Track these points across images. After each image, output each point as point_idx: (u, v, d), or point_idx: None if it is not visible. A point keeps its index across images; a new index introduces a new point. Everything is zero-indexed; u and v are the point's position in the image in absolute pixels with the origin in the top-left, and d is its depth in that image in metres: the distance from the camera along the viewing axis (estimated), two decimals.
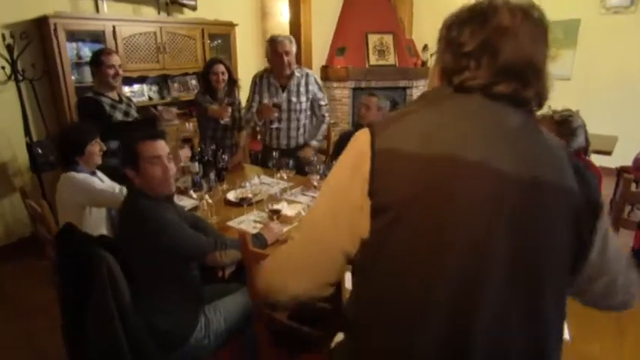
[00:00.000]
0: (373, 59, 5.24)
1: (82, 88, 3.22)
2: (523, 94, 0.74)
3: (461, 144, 0.71)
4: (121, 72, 2.55)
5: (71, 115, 3.09)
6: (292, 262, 0.82)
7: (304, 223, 0.93)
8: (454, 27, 0.79)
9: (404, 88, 5.33)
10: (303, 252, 0.81)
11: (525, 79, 0.74)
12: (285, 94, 2.74)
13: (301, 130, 2.86)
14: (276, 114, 2.63)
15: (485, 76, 0.74)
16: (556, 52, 4.85)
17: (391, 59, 5.27)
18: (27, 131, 3.04)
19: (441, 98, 0.78)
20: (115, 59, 2.52)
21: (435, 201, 0.70)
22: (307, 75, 2.83)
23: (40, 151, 3.05)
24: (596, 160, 2.31)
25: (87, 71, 3.33)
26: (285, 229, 1.83)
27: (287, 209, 1.94)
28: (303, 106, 2.81)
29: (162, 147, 1.54)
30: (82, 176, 2.00)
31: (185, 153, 2.18)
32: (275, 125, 2.74)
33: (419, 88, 5.43)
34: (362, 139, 0.77)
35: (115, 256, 1.40)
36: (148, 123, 2.50)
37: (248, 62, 4.61)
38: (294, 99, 2.75)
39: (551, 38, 0.77)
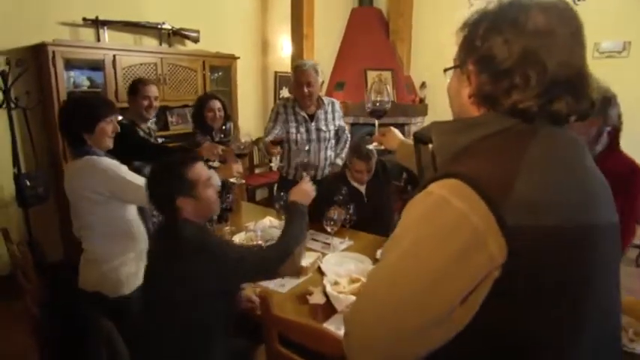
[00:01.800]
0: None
1: None
2: (578, 109, 0.66)
3: (585, 206, 0.65)
4: (155, 104, 2.42)
5: (64, 147, 2.94)
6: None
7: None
8: (477, 37, 0.67)
9: (402, 125, 5.31)
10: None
11: (577, 91, 0.65)
12: (313, 124, 2.61)
13: (328, 162, 2.72)
14: (275, 150, 2.40)
15: (538, 95, 0.64)
16: None
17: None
18: (16, 162, 2.87)
19: (521, 140, 0.65)
20: (152, 90, 2.41)
21: (577, 275, 0.63)
22: (333, 103, 2.73)
23: (28, 183, 2.88)
24: None
25: None
26: (298, 280, 1.69)
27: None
28: (331, 134, 2.69)
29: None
30: (108, 162, 1.68)
31: (237, 168, 1.99)
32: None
33: (417, 125, 5.42)
34: (467, 211, 0.58)
35: (115, 319, 1.24)
36: (185, 153, 2.34)
37: (248, 96, 4.55)
38: (323, 128, 2.62)
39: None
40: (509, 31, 0.64)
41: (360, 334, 0.63)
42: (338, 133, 2.79)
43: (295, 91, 2.60)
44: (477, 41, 0.68)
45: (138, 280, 1.67)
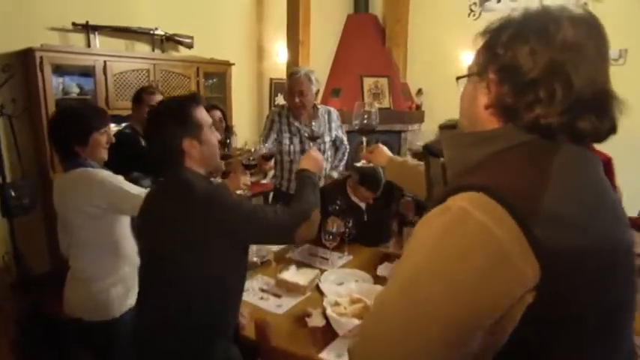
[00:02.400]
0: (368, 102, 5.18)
1: None
2: (601, 129, 0.62)
3: (613, 226, 0.62)
4: None
5: (52, 156, 2.83)
6: None
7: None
8: (499, 45, 0.64)
9: (399, 132, 5.26)
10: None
11: (602, 110, 0.61)
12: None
13: (323, 173, 2.56)
14: (267, 166, 2.25)
15: (562, 112, 0.60)
16: None
17: (386, 102, 5.21)
18: (0, 171, 2.76)
19: (543, 155, 0.61)
20: (157, 100, 2.32)
21: (607, 296, 0.60)
22: (330, 112, 2.58)
23: (13, 193, 2.77)
24: None
25: None
26: (296, 300, 1.61)
27: (297, 276, 1.71)
28: (327, 146, 2.55)
29: None
30: (104, 173, 1.58)
31: (245, 180, 1.86)
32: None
33: (414, 132, 5.37)
34: (491, 224, 0.53)
35: (103, 344, 1.15)
36: None
37: (243, 103, 4.46)
38: (317, 139, 2.50)
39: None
40: (536, 41, 0.60)
41: (363, 353, 0.59)
42: (336, 144, 2.68)
43: (288, 100, 2.50)
44: (498, 49, 0.64)
45: (127, 302, 1.57)
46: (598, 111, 0.61)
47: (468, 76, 0.73)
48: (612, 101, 0.62)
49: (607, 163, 2.03)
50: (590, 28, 0.62)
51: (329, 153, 2.61)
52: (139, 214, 1.34)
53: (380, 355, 0.56)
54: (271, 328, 1.09)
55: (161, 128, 1.24)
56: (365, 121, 1.48)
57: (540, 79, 0.60)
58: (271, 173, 2.48)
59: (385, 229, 2.40)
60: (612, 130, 0.64)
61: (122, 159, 1.93)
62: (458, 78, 0.78)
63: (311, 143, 1.60)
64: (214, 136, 1.32)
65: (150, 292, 1.26)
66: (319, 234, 1.93)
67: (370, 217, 2.26)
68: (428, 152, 0.86)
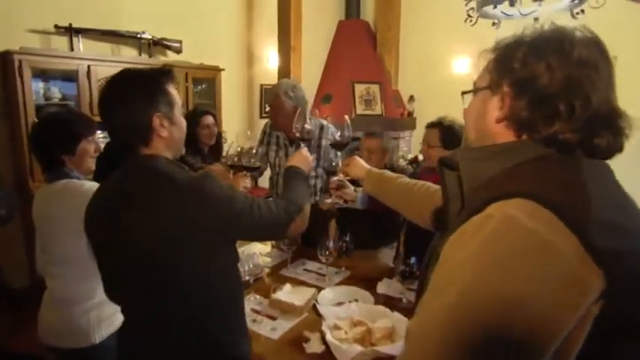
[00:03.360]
0: (360, 109, 5.11)
1: None
2: (615, 146, 0.63)
3: None
4: None
5: (31, 164, 2.69)
6: None
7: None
8: (514, 60, 0.64)
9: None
10: None
11: (616, 128, 0.63)
12: (293, 150, 2.28)
13: (310, 190, 2.36)
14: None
15: (581, 128, 0.61)
16: None
17: (378, 109, 5.16)
18: None
19: (568, 167, 0.61)
20: None
21: None
22: (322, 128, 2.28)
23: None
24: None
25: None
26: (292, 323, 1.50)
27: (292, 295, 1.61)
28: (314, 163, 2.25)
29: None
30: (90, 184, 1.46)
31: (245, 183, 1.68)
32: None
33: (405, 139, 5.32)
34: (540, 229, 0.51)
35: None
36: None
37: (233, 110, 4.36)
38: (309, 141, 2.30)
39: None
40: (552, 57, 0.61)
41: None
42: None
43: (269, 114, 2.37)
44: (514, 63, 0.64)
45: (109, 328, 1.46)
46: (614, 129, 0.62)
47: (476, 90, 0.72)
48: (624, 120, 0.63)
49: None
50: (602, 49, 0.63)
51: (320, 170, 2.41)
52: (92, 206, 1.17)
53: None
54: None
55: (126, 98, 1.05)
56: (339, 137, 1.45)
57: (559, 94, 0.60)
58: (267, 174, 2.38)
59: (390, 226, 2.21)
60: (621, 148, 0.64)
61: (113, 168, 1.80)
62: (464, 93, 0.76)
63: (302, 144, 1.51)
64: (184, 120, 1.17)
65: (136, 292, 1.12)
66: (315, 250, 1.84)
67: (370, 217, 2.15)
68: (443, 165, 0.82)
